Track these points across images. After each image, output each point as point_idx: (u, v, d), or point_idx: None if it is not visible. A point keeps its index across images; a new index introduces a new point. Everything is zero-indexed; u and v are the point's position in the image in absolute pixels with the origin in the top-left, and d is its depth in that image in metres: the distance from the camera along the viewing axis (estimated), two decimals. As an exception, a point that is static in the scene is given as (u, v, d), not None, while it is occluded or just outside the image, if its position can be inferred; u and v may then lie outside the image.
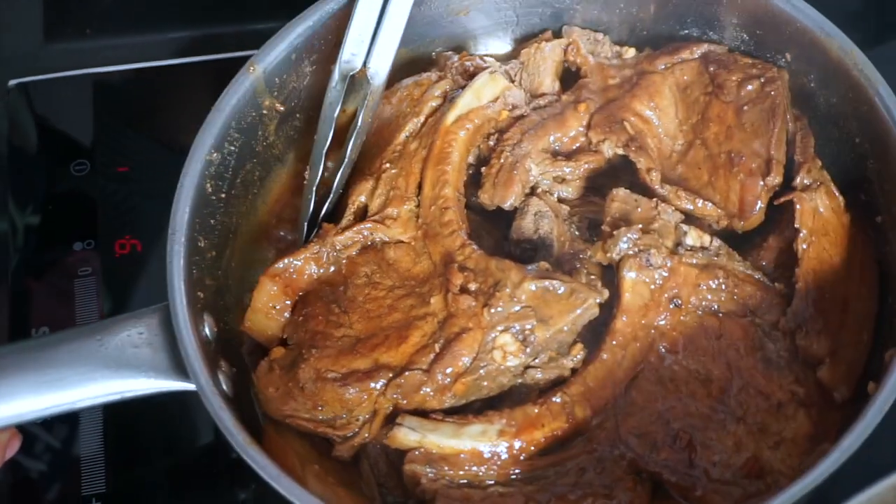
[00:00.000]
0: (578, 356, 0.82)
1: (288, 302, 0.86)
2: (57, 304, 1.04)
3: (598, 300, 0.81)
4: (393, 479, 0.81)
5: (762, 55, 0.96)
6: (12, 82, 1.21)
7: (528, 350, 0.80)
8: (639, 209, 0.87)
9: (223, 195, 0.90)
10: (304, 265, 0.87)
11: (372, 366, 0.81)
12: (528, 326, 0.80)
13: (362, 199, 0.91)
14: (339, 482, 0.80)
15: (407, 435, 0.78)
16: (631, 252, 0.83)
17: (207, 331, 0.82)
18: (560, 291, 0.81)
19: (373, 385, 0.80)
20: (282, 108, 0.94)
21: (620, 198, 0.87)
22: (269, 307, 0.86)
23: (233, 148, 0.89)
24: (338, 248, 0.87)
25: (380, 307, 0.85)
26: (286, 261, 0.86)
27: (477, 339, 0.80)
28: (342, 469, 0.82)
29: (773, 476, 0.78)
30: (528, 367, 0.82)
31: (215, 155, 0.87)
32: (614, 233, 0.84)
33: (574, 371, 0.83)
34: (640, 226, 0.84)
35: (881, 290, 0.88)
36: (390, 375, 0.80)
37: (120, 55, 1.22)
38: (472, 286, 0.83)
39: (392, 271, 0.87)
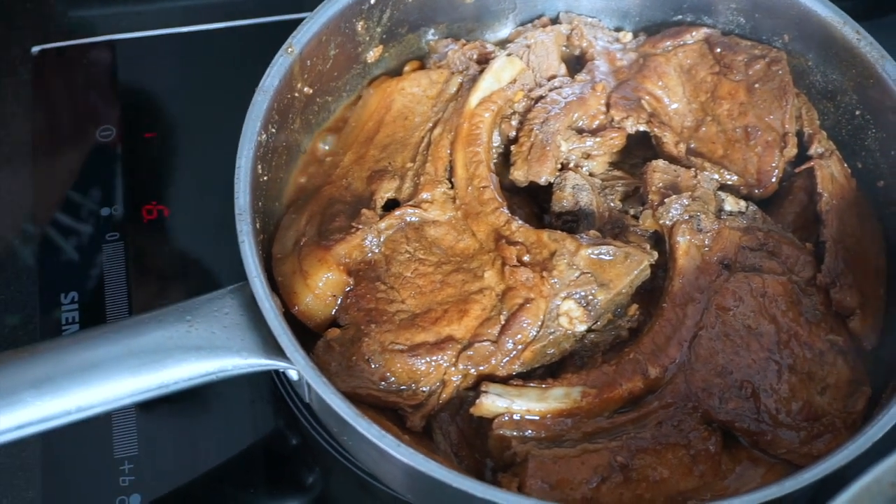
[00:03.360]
0: (634, 316, 0.93)
1: (347, 282, 0.92)
2: (85, 270, 1.09)
3: (650, 261, 0.92)
4: (465, 447, 0.89)
5: (758, 38, 1.10)
6: (35, 49, 1.24)
7: (591, 313, 0.90)
8: (679, 178, 0.99)
9: (266, 178, 0.95)
10: (353, 251, 0.93)
11: (438, 338, 0.89)
12: (591, 290, 0.90)
13: (389, 195, 0.98)
14: (429, 453, 0.86)
15: (494, 402, 0.86)
16: (682, 218, 0.95)
17: (278, 309, 0.85)
18: (615, 256, 0.92)
19: (442, 356, 0.88)
20: (309, 92, 1.01)
21: (661, 168, 0.99)
22: (326, 293, 0.92)
23: (273, 130, 0.95)
24: (380, 232, 0.94)
25: (431, 283, 0.92)
26: (340, 247, 0.93)
27: (541, 307, 0.89)
28: (419, 442, 0.89)
29: (827, 418, 0.91)
30: (588, 330, 0.92)
31: (263, 136, 0.92)
32: (665, 200, 0.96)
33: (631, 331, 0.94)
34: (689, 193, 0.96)
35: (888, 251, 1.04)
36: (459, 347, 0.88)
37: (142, 21, 1.27)
38: (526, 258, 0.92)
39: (436, 248, 0.95)
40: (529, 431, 0.87)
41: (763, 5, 1.08)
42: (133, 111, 1.20)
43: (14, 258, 1.10)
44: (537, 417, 0.87)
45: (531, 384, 0.88)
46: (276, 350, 0.82)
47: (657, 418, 0.89)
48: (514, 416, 0.87)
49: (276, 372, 1.00)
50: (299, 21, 0.98)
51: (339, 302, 0.93)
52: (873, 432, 0.83)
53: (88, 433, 0.98)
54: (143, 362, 0.79)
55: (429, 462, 0.77)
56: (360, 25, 1.03)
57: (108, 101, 1.21)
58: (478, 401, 0.87)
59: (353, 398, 0.87)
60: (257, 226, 0.90)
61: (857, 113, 1.05)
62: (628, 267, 0.91)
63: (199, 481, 0.99)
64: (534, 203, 1.05)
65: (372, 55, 1.07)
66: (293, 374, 0.84)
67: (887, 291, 1.01)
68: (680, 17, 1.13)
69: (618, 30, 1.16)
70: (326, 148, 1.05)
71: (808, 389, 0.92)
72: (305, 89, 1.00)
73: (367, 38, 1.05)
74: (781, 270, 0.97)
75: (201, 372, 0.81)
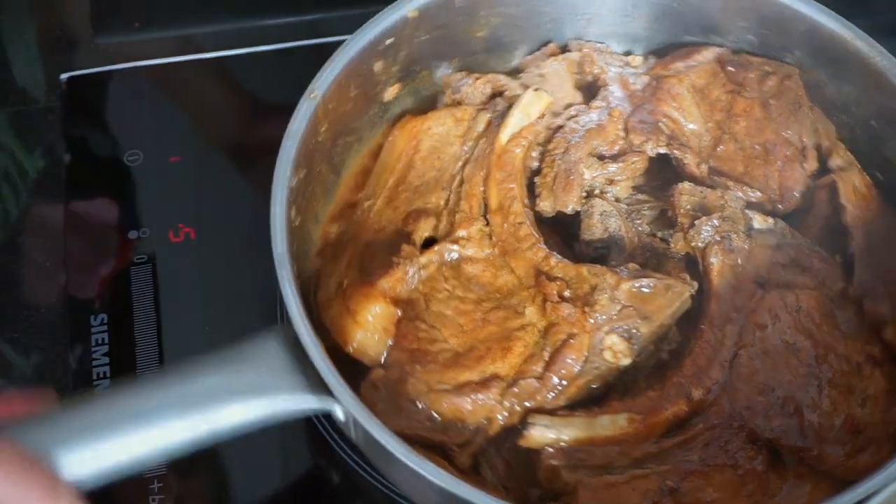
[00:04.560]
0: (674, 339, 0.96)
1: (396, 313, 0.94)
2: (113, 292, 1.12)
3: (691, 291, 0.95)
4: (512, 480, 0.91)
5: (768, 54, 1.14)
6: (64, 76, 1.29)
7: (635, 347, 0.93)
8: (706, 199, 1.02)
9: (297, 223, 0.98)
10: (396, 285, 0.96)
11: (483, 377, 0.91)
12: (634, 324, 0.93)
13: (427, 233, 1.01)
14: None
15: (543, 433, 0.88)
16: (714, 239, 0.98)
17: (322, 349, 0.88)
18: (656, 288, 0.95)
19: (488, 394, 0.90)
20: (329, 134, 1.04)
21: (688, 190, 1.02)
22: (376, 327, 0.94)
23: (301, 175, 0.97)
24: (421, 267, 0.97)
25: (472, 321, 0.95)
26: (384, 282, 0.95)
27: (584, 343, 0.92)
28: (466, 478, 0.90)
29: (869, 430, 0.94)
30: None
31: (294, 181, 0.95)
32: (695, 222, 0.99)
33: (671, 353, 0.96)
34: (719, 213, 1.00)
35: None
36: (504, 385, 0.91)
37: (169, 47, 1.32)
38: (567, 293, 0.95)
39: (474, 285, 0.97)
40: (578, 460, 0.89)
41: (771, 22, 1.11)
42: (159, 136, 1.25)
43: (44, 281, 1.15)
44: (585, 446, 0.90)
45: (577, 413, 0.91)
46: (322, 389, 0.85)
47: (704, 440, 0.91)
48: (563, 446, 0.89)
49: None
50: (324, 46, 1.01)
51: (391, 335, 0.95)
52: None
53: None
54: (195, 409, 0.82)
55: (484, 496, 0.79)
56: (377, 65, 1.06)
57: (135, 126, 1.26)
58: (525, 432, 0.89)
59: (401, 438, 0.89)
60: (294, 269, 0.92)
61: (873, 124, 1.08)
62: (670, 299, 0.94)
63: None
64: (560, 232, 1.07)
65: (389, 93, 1.10)
66: (339, 414, 0.86)
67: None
68: (689, 37, 1.16)
69: (627, 54, 1.20)
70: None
71: (849, 402, 0.95)
72: (329, 132, 1.03)
73: (385, 78, 1.08)
74: (814, 285, 1.00)
75: (252, 417, 0.83)
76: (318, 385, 0.85)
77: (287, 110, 0.96)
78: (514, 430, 0.92)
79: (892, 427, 0.95)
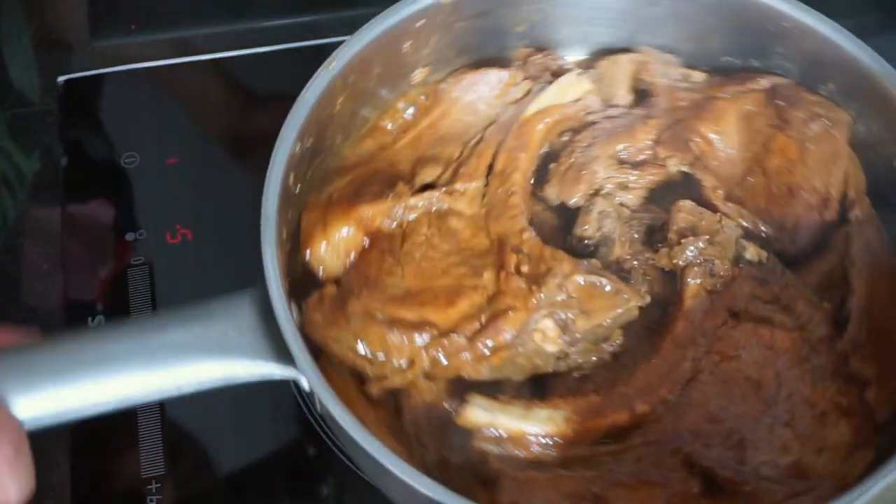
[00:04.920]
0: (618, 341, 0.98)
1: (363, 241, 0.99)
2: (111, 294, 1.17)
3: (639, 304, 0.97)
4: (430, 437, 0.95)
5: (804, 84, 1.12)
6: (61, 79, 1.35)
7: (566, 338, 0.95)
8: (703, 222, 1.03)
9: (297, 191, 1.02)
10: (377, 216, 1.00)
11: (419, 319, 0.95)
12: (571, 315, 0.95)
13: (429, 179, 1.06)
14: (391, 431, 0.94)
15: (478, 414, 0.92)
16: (696, 261, 0.99)
17: (295, 317, 0.92)
18: (606, 289, 0.96)
19: (417, 337, 0.94)
20: (348, 106, 1.08)
21: (687, 209, 1.03)
22: (339, 246, 0.99)
23: (309, 144, 1.01)
24: (408, 207, 1.02)
25: (433, 268, 0.99)
26: (367, 208, 1.00)
27: (521, 318, 0.95)
28: (388, 418, 0.96)
29: (817, 478, 0.93)
30: (567, 353, 0.97)
31: (298, 147, 0.99)
32: (682, 241, 1.00)
33: (614, 356, 0.98)
34: (707, 237, 1.00)
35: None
36: (435, 333, 0.94)
37: (165, 50, 1.38)
38: (524, 269, 0.98)
39: (451, 238, 1.01)
40: (509, 449, 0.92)
41: (809, 52, 1.09)
42: (156, 137, 1.30)
43: (42, 283, 1.19)
44: (518, 436, 0.93)
45: (516, 402, 0.94)
46: (288, 359, 0.87)
47: (637, 454, 0.93)
48: (496, 432, 0.92)
49: (296, 385, 1.09)
50: (323, 47, 1.05)
51: (351, 259, 1.00)
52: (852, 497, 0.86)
53: (116, 451, 1.07)
54: (155, 361, 0.85)
55: (423, 478, 0.82)
56: (406, 46, 1.10)
57: (132, 128, 1.31)
58: (461, 410, 0.93)
59: (324, 350, 0.94)
60: (283, 235, 0.97)
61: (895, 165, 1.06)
62: (614, 303, 0.96)
63: (224, 498, 1.07)
64: (565, 221, 1.10)
65: (418, 76, 1.14)
66: (305, 385, 0.89)
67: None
68: (728, 58, 1.16)
69: (690, 67, 1.19)
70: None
71: (803, 447, 0.94)
72: (347, 104, 1.07)
73: (414, 59, 1.12)
74: (793, 326, 0.99)
75: (214, 376, 0.87)
76: (284, 353, 0.88)
77: (285, 112, 0.99)
78: (443, 396, 0.95)
79: (846, 480, 0.94)
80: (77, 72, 1.36)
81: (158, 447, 1.08)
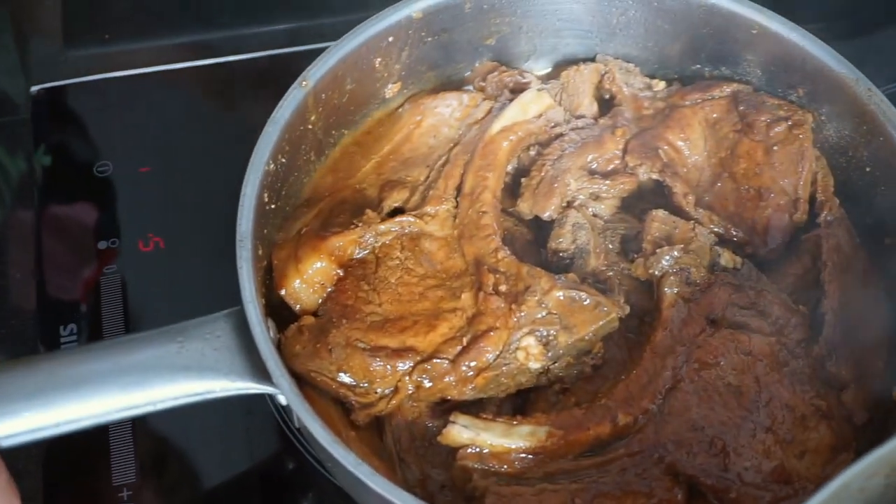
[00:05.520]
0: (598, 353, 0.98)
1: (336, 273, 0.99)
2: (83, 302, 1.17)
3: (620, 314, 0.97)
4: (412, 454, 0.96)
5: (773, 90, 1.14)
6: (35, 88, 1.36)
7: (549, 354, 0.95)
8: (676, 230, 1.04)
9: (273, 206, 1.03)
10: (348, 245, 1.01)
11: (400, 346, 0.95)
12: (552, 332, 0.96)
13: (397, 204, 1.06)
14: (373, 451, 0.95)
15: (460, 433, 0.92)
16: (671, 270, 1.00)
17: (272, 334, 0.94)
18: (586, 303, 0.97)
19: (399, 364, 0.94)
20: (321, 124, 1.09)
21: (660, 218, 1.04)
22: (314, 280, 0.99)
23: (283, 160, 1.02)
24: (378, 234, 1.02)
25: (411, 293, 0.99)
26: (336, 240, 1.00)
27: (503, 338, 0.95)
28: (370, 438, 0.96)
29: (800, 482, 0.94)
30: (549, 368, 0.97)
31: (271, 166, 1.00)
32: (657, 251, 1.01)
33: (595, 367, 0.98)
34: (682, 245, 1.01)
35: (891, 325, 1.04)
36: (418, 359, 0.95)
37: (138, 59, 1.38)
38: (503, 288, 0.98)
39: (425, 261, 1.02)
40: (492, 466, 0.92)
41: (778, 59, 1.11)
42: (128, 146, 1.31)
43: (15, 292, 1.20)
44: (501, 452, 0.93)
45: (499, 419, 0.94)
46: (264, 375, 0.89)
47: (621, 465, 0.93)
48: (479, 449, 0.92)
49: (272, 399, 1.10)
50: (292, 56, 1.05)
51: (327, 291, 1.00)
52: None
53: (87, 460, 1.07)
54: (133, 380, 0.87)
55: (400, 492, 0.83)
56: (377, 62, 1.11)
57: (105, 138, 1.32)
58: (445, 430, 0.93)
59: (307, 381, 0.95)
60: (259, 252, 0.97)
61: (868, 169, 1.07)
62: (596, 316, 0.96)
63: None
64: (539, 235, 1.11)
65: (390, 90, 1.15)
66: (282, 400, 0.90)
67: (885, 366, 1.02)
68: (698, 66, 1.18)
69: (651, 77, 1.21)
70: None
71: (786, 452, 0.96)
72: (320, 122, 1.08)
73: (386, 75, 1.13)
74: (770, 331, 1.00)
75: (188, 392, 0.88)
76: (261, 370, 0.89)
77: (257, 120, 1.00)
78: (427, 415, 0.97)
79: (828, 483, 0.95)
80: (51, 81, 1.37)
81: (130, 455, 1.08)
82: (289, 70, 1.04)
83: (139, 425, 1.09)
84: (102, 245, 1.23)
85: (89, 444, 1.08)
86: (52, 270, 1.20)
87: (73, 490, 1.07)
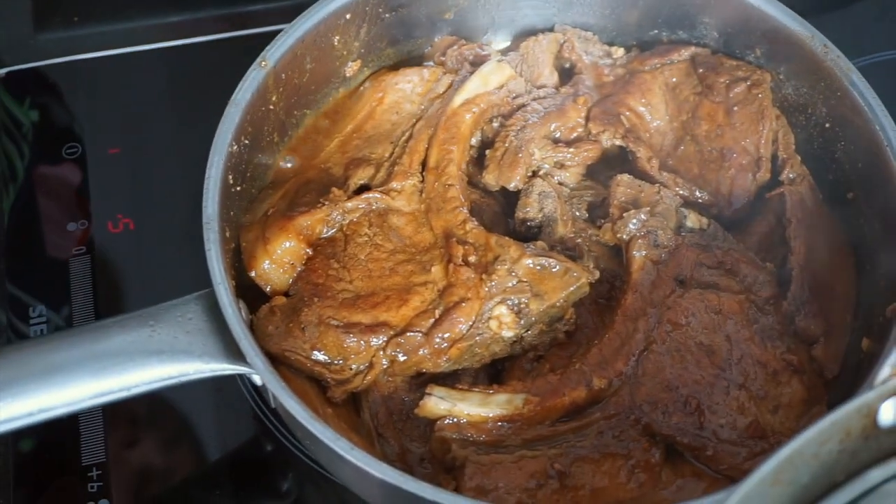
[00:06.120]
0: (571, 319, 0.99)
1: (305, 252, 1.00)
2: (52, 283, 1.17)
3: (590, 280, 0.98)
4: (390, 429, 0.96)
5: (731, 52, 1.15)
6: (2, 71, 1.35)
7: (521, 322, 0.96)
8: (642, 194, 1.05)
9: (239, 188, 1.02)
10: (315, 224, 1.01)
11: (373, 321, 0.96)
12: (524, 300, 0.96)
13: (363, 181, 1.06)
14: (351, 427, 0.95)
15: (437, 404, 0.93)
16: (639, 233, 1.01)
17: (244, 315, 0.93)
18: (555, 269, 0.98)
19: (373, 339, 0.95)
20: (282, 104, 1.08)
21: (625, 182, 1.05)
22: (283, 260, 0.99)
23: (246, 142, 1.02)
24: (346, 211, 1.02)
25: (381, 268, 1.00)
26: (304, 219, 1.00)
27: (475, 308, 0.96)
28: (348, 415, 0.97)
29: (775, 437, 0.96)
30: (522, 337, 0.98)
31: (234, 147, 0.99)
32: (624, 215, 1.02)
33: (567, 333, 1.00)
34: (648, 208, 1.02)
35: (857, 275, 1.07)
36: (391, 333, 0.95)
37: (107, 41, 1.37)
38: (472, 259, 0.99)
39: (394, 236, 1.02)
40: (470, 435, 0.93)
41: (734, 20, 1.12)
42: (97, 128, 1.30)
43: None
44: (479, 422, 0.94)
45: (475, 389, 0.95)
46: (238, 356, 0.89)
47: (598, 428, 0.94)
48: (456, 420, 0.93)
49: (242, 379, 1.09)
50: (260, 36, 1.05)
51: (297, 270, 1.00)
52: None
53: (56, 441, 1.07)
54: (105, 366, 0.87)
55: (379, 464, 0.84)
56: (336, 40, 1.10)
57: (74, 120, 1.31)
58: (421, 402, 0.93)
59: (282, 360, 0.95)
60: (227, 234, 0.97)
61: (827, 125, 1.09)
62: (566, 282, 0.97)
63: (170, 487, 1.07)
64: (507, 205, 1.11)
65: (350, 69, 1.15)
66: (257, 380, 0.91)
67: (854, 319, 1.04)
68: (655, 31, 1.19)
69: (610, 44, 1.22)
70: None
71: (759, 407, 0.97)
72: (281, 102, 1.07)
73: (345, 53, 1.12)
74: (739, 289, 1.02)
75: (162, 376, 0.88)
76: (234, 351, 0.89)
77: (225, 103, 1.00)
78: (402, 389, 0.97)
79: (802, 436, 0.96)
80: (19, 64, 1.36)
81: (100, 434, 1.08)
82: (262, 49, 1.04)
83: (109, 406, 1.07)
84: (71, 227, 1.22)
85: (59, 423, 1.06)
86: (21, 252, 1.20)
87: (45, 471, 1.06)
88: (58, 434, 1.07)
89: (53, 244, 1.21)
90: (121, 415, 1.09)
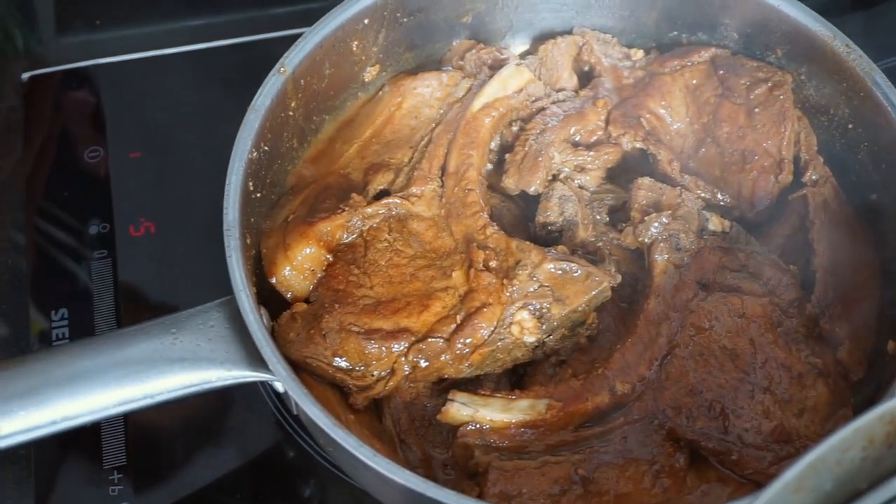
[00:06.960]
0: (593, 325, 0.99)
1: (326, 258, 1.00)
2: (74, 287, 1.18)
3: (612, 284, 0.98)
4: (412, 435, 0.96)
5: (751, 53, 1.14)
6: (26, 75, 1.36)
7: (543, 327, 0.96)
8: (664, 197, 1.05)
9: (259, 195, 1.03)
10: (336, 230, 1.01)
11: (394, 327, 0.96)
12: (546, 304, 0.96)
13: (382, 186, 1.06)
14: (373, 434, 0.95)
15: (459, 410, 0.92)
16: (661, 237, 1.01)
17: (265, 322, 0.94)
18: (577, 274, 0.97)
19: (395, 345, 0.95)
20: (301, 110, 1.08)
21: (646, 186, 1.05)
22: (304, 267, 0.99)
23: (266, 148, 1.02)
24: (365, 217, 1.02)
25: (401, 274, 1.00)
26: (324, 225, 1.00)
27: (496, 313, 0.96)
28: (370, 421, 0.97)
29: (801, 441, 0.95)
30: (544, 342, 0.98)
31: (254, 154, 1.00)
32: (645, 218, 1.01)
33: (590, 338, 0.99)
34: (670, 212, 1.02)
35: (882, 276, 1.06)
36: (412, 339, 0.95)
37: (129, 45, 1.39)
38: (493, 264, 0.98)
39: (414, 241, 1.02)
40: (493, 441, 0.93)
41: (754, 21, 1.12)
42: (119, 131, 1.31)
43: (5, 277, 1.20)
44: (501, 427, 0.93)
45: (497, 395, 0.94)
46: (260, 363, 0.89)
47: (622, 433, 0.94)
48: (479, 426, 0.93)
49: (264, 386, 1.09)
50: (282, 39, 1.06)
51: (318, 277, 1.01)
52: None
53: (78, 444, 1.07)
54: (128, 373, 0.87)
55: (403, 471, 0.83)
56: (354, 45, 1.10)
57: (96, 124, 1.32)
58: (444, 408, 0.93)
59: (303, 367, 0.95)
60: (247, 241, 0.97)
61: (850, 126, 1.09)
62: (588, 286, 0.97)
63: (191, 493, 1.07)
64: (527, 210, 1.11)
65: (369, 74, 1.15)
66: (279, 387, 0.91)
67: (878, 321, 1.03)
68: (675, 32, 1.18)
69: (629, 47, 1.22)
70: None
71: (784, 411, 0.97)
72: (300, 108, 1.07)
73: (363, 58, 1.13)
74: (762, 292, 1.01)
75: (185, 383, 0.88)
76: (257, 358, 0.89)
77: (247, 106, 1.01)
78: (425, 395, 0.97)
79: (827, 440, 0.96)
80: (42, 68, 1.37)
81: (121, 440, 1.09)
82: (279, 55, 1.04)
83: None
84: (93, 230, 1.23)
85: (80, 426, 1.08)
86: (44, 256, 1.21)
87: (66, 474, 1.07)
88: (79, 437, 1.07)
89: (76, 247, 1.22)
90: (142, 419, 1.09)
